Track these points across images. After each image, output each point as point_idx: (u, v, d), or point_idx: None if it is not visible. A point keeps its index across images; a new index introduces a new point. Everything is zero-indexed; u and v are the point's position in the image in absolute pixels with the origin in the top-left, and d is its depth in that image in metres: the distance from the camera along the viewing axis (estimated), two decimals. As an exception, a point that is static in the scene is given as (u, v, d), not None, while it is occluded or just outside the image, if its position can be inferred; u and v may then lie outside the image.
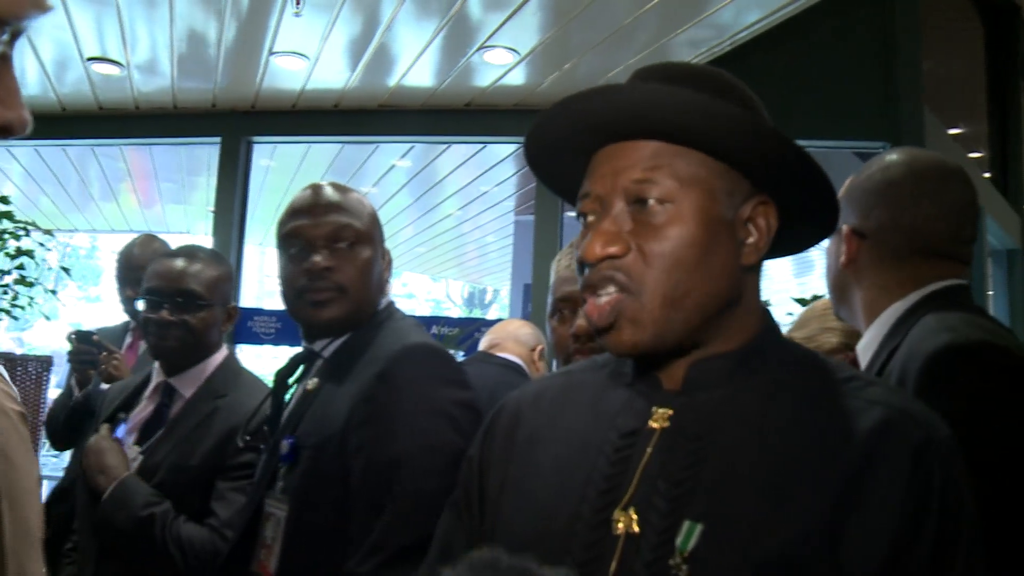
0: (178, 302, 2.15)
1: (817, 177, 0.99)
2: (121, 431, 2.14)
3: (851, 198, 1.60)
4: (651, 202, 0.96)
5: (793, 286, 12.26)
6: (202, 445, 2.06)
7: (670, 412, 0.98)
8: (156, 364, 2.26)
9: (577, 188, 1.06)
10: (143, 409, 2.21)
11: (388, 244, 1.81)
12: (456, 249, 11.67)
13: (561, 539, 0.95)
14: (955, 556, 0.86)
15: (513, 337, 3.11)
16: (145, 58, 4.79)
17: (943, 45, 7.09)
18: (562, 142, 1.05)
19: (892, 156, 1.60)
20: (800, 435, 0.92)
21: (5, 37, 0.56)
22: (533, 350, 3.06)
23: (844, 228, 1.58)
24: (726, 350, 1.00)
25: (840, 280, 1.63)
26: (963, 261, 1.56)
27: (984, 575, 0.88)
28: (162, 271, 2.19)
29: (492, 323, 6.05)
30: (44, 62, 4.86)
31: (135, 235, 3.26)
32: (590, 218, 1.01)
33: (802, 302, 4.05)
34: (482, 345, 3.22)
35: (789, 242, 1.09)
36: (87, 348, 2.79)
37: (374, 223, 1.74)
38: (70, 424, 2.89)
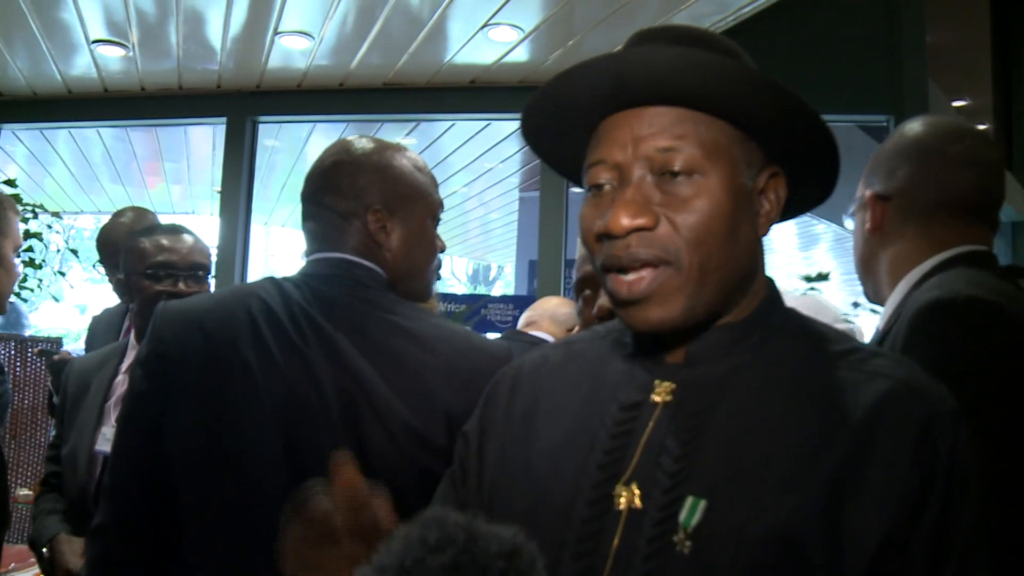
0: (192, 275, 2.27)
1: (829, 142, 0.97)
2: None
3: (873, 166, 1.58)
4: (678, 171, 0.92)
5: (798, 260, 12.28)
6: None
7: (673, 386, 0.96)
8: (132, 339, 2.32)
9: (574, 161, 1.03)
10: (124, 383, 2.24)
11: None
12: (461, 226, 11.67)
13: (561, 513, 0.94)
14: (957, 537, 0.85)
15: (550, 315, 3.08)
16: (150, 40, 4.80)
17: (947, 16, 7.06)
18: (566, 112, 1.01)
19: (914, 122, 1.58)
20: (802, 410, 0.90)
21: None
22: (570, 331, 3.02)
23: (867, 195, 1.56)
24: (729, 322, 0.98)
25: (866, 251, 1.60)
26: (991, 225, 1.53)
27: (985, 553, 0.87)
28: (173, 247, 2.28)
29: (498, 300, 6.08)
30: (49, 45, 4.87)
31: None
32: (606, 188, 0.96)
33: (808, 279, 4.05)
34: (520, 323, 3.21)
35: (790, 206, 1.06)
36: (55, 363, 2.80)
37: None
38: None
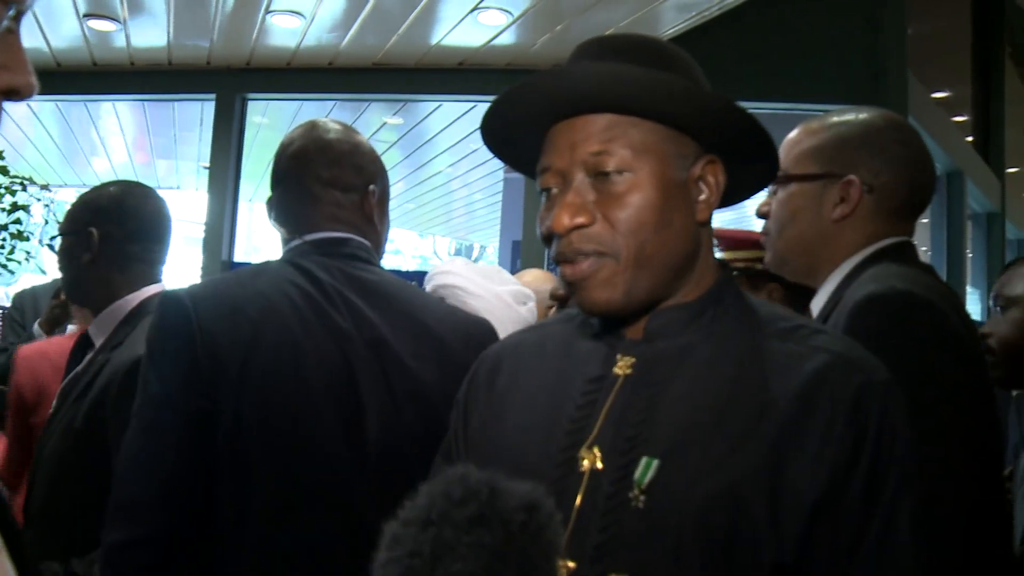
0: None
1: (757, 132, 1.06)
2: None
3: (857, 149, 1.55)
4: (610, 172, 1.02)
5: None
6: (85, 404, 1.78)
7: (632, 360, 1.06)
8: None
9: (534, 160, 1.12)
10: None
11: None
12: (444, 206, 11.72)
13: (532, 476, 1.00)
14: (884, 491, 0.94)
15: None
16: (141, 15, 4.82)
17: (928, 7, 7.14)
18: (517, 123, 1.11)
19: (892, 117, 1.60)
20: (749, 381, 1.00)
21: (11, 13, 0.66)
22: (550, 308, 3.04)
23: (852, 179, 1.53)
24: (684, 301, 1.08)
25: (819, 229, 1.57)
26: (916, 217, 1.61)
27: (911, 509, 0.96)
28: None
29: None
30: (39, 17, 4.88)
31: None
32: (553, 191, 1.07)
33: None
34: None
35: (732, 192, 1.16)
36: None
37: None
38: None
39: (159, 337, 1.38)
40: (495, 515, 0.78)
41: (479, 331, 1.58)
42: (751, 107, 1.07)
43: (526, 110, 1.08)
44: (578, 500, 1.00)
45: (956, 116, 7.90)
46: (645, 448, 0.99)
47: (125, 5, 4.66)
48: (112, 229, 1.93)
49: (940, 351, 1.34)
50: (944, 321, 1.37)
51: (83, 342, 1.99)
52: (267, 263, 1.53)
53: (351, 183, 1.57)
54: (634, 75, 1.01)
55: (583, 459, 1.01)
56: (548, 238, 1.07)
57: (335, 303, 1.45)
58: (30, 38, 5.17)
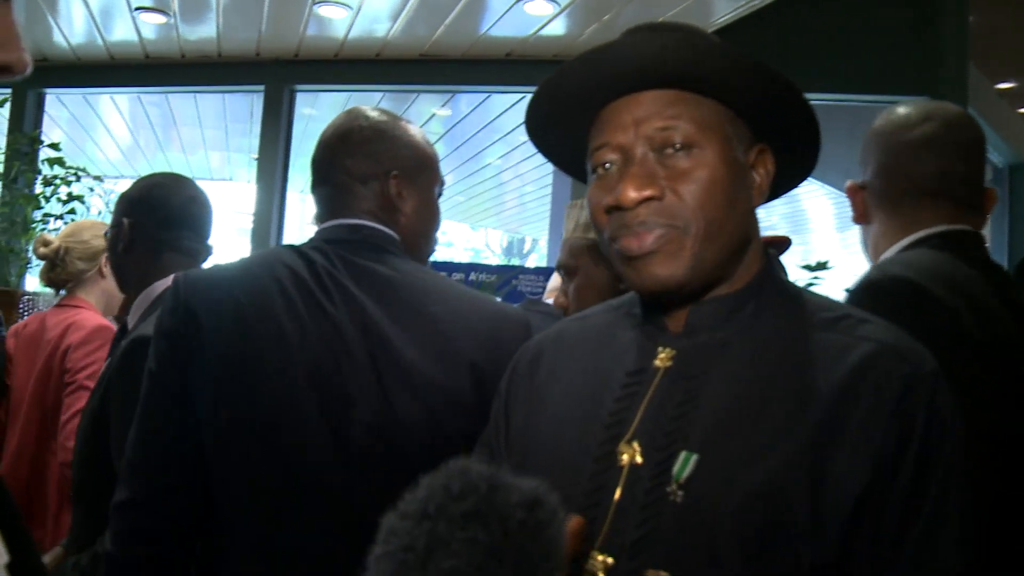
0: None
1: (811, 121, 1.05)
2: None
3: (860, 156, 1.63)
4: (677, 147, 1.00)
5: (837, 237, 12.18)
6: (101, 388, 1.84)
7: (673, 352, 1.04)
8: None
9: (574, 154, 1.12)
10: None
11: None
12: (495, 199, 11.70)
13: (571, 470, 1.02)
14: (931, 484, 0.91)
15: None
16: (191, 7, 4.87)
17: (994, -4, 6.93)
18: (569, 101, 1.08)
19: (888, 109, 1.62)
20: (790, 373, 0.97)
21: None
22: None
23: (847, 185, 1.63)
24: (726, 293, 1.06)
25: (862, 236, 1.67)
26: (967, 203, 1.54)
27: (959, 503, 0.92)
28: None
29: (529, 271, 6.10)
30: (93, 12, 4.96)
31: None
32: (611, 168, 1.05)
33: (808, 268, 4.09)
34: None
35: (778, 184, 1.14)
36: None
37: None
38: None
39: (159, 316, 1.42)
40: (492, 511, 0.76)
41: (505, 324, 1.50)
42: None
43: (580, 86, 1.06)
44: (617, 494, 0.98)
45: (1022, 108, 7.67)
46: (684, 443, 0.97)
47: (175, -3, 4.71)
48: (142, 218, 1.99)
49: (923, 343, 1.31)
50: (935, 311, 1.33)
51: (122, 329, 2.04)
52: (275, 248, 1.53)
53: (369, 171, 1.55)
54: (701, 45, 0.99)
55: (622, 453, 1.00)
56: (607, 212, 1.04)
57: (326, 287, 1.42)
58: (84, 31, 5.26)
